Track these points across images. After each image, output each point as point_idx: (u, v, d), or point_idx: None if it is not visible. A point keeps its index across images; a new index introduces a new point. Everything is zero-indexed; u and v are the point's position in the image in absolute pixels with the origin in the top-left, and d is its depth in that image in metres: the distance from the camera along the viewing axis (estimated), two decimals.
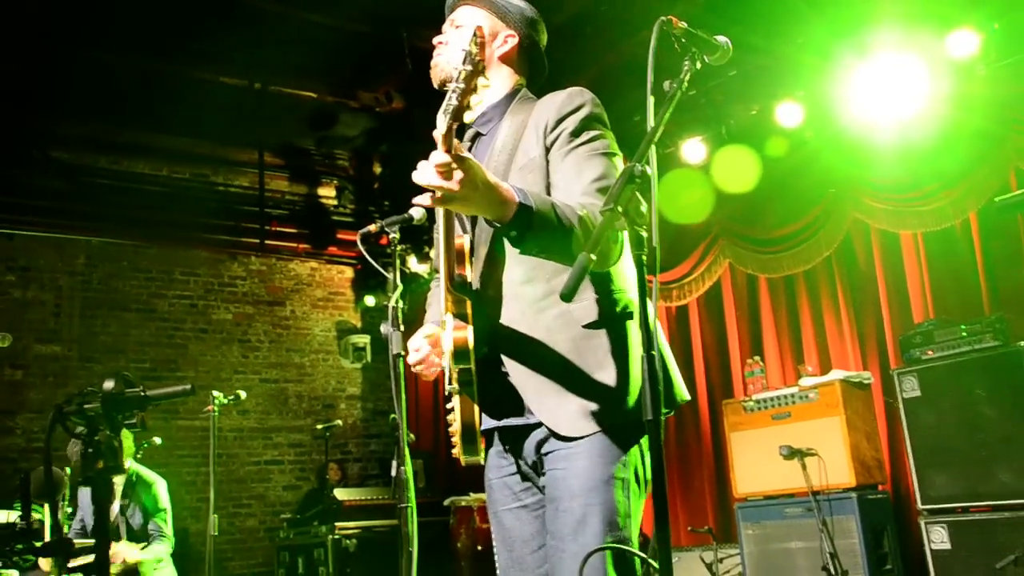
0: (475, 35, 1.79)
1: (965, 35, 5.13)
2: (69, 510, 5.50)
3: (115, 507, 5.44)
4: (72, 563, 4.43)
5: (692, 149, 6.47)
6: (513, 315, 2.14)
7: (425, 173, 1.78)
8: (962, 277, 5.45)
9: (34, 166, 7.68)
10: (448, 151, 1.76)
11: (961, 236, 5.46)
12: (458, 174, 1.76)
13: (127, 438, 5.56)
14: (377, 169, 8.93)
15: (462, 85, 1.77)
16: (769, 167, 6.35)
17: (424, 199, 1.85)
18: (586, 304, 2.10)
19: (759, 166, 6.34)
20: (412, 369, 2.36)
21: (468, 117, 1.81)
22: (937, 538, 4.66)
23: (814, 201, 6.19)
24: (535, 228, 1.88)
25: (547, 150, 2.16)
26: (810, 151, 6.21)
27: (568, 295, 1.61)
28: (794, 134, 6.14)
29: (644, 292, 1.69)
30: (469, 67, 1.77)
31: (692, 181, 6.56)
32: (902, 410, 4.92)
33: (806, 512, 5.03)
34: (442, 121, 1.78)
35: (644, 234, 1.68)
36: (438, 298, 2.48)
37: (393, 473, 3.16)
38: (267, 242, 8.73)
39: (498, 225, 1.90)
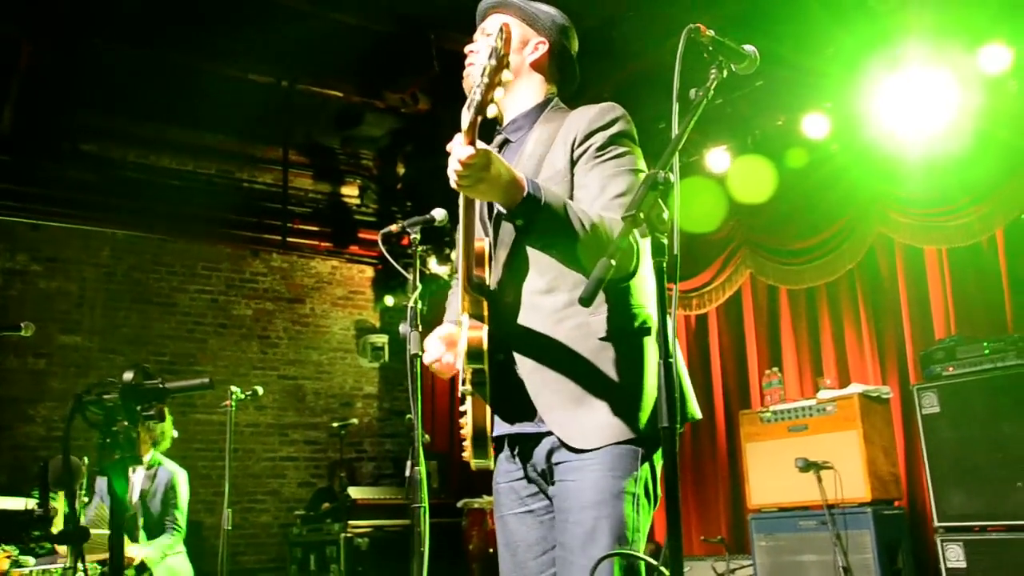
0: (501, 31, 1.80)
1: (997, 50, 5.08)
2: (86, 499, 5.54)
3: (135, 494, 5.50)
4: (89, 558, 4.46)
5: (716, 158, 6.44)
6: (531, 324, 2.13)
7: (451, 162, 1.86)
8: (987, 294, 5.39)
9: (63, 158, 7.76)
10: (472, 143, 1.82)
11: (987, 252, 5.41)
12: (476, 165, 1.82)
13: (167, 432, 5.62)
14: (401, 170, 8.96)
15: (487, 80, 1.79)
16: (794, 178, 6.32)
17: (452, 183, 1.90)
18: (604, 317, 2.09)
19: (784, 177, 6.31)
20: (430, 368, 2.37)
21: (492, 112, 1.87)
22: (953, 556, 4.61)
23: (838, 214, 6.15)
24: (542, 219, 1.91)
25: (573, 164, 2.16)
26: (836, 164, 6.17)
27: (587, 300, 1.61)
28: (820, 146, 6.10)
29: (663, 299, 1.68)
30: (494, 62, 1.79)
31: (716, 190, 6.53)
32: (921, 426, 4.88)
33: (820, 525, 5.00)
34: (466, 115, 1.83)
35: (665, 241, 1.68)
36: (457, 298, 2.49)
37: (407, 473, 3.16)
38: (289, 239, 8.77)
39: (507, 213, 1.95)
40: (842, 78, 5.77)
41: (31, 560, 4.48)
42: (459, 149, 1.84)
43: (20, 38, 6.44)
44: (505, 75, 1.79)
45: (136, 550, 5.22)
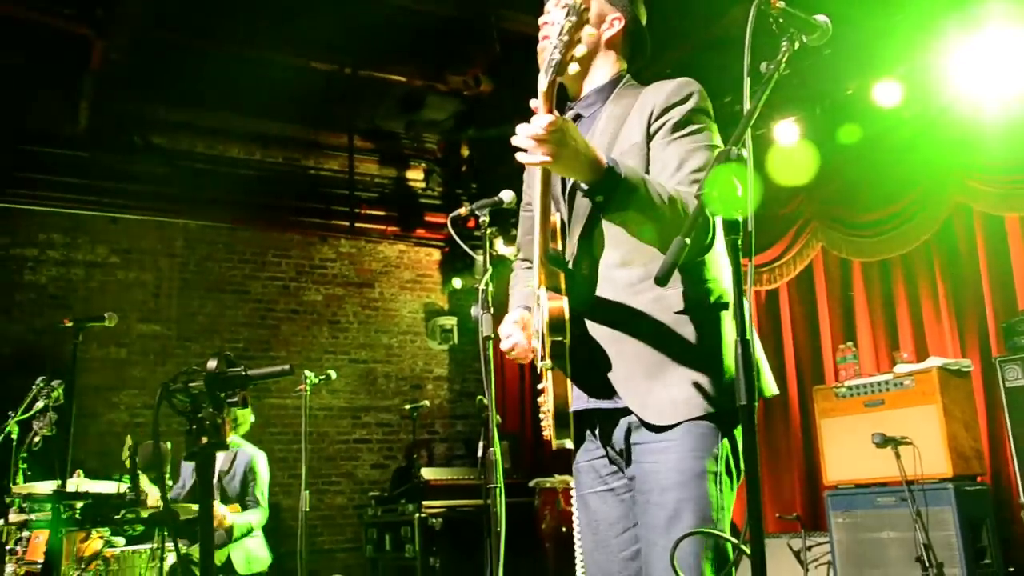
0: None
1: None
2: (170, 482, 5.75)
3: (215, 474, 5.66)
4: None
5: (785, 130, 6.31)
6: (606, 297, 2.14)
7: (524, 132, 1.79)
8: None
9: (136, 152, 8.00)
10: (550, 110, 1.77)
11: None
12: (556, 134, 1.77)
13: (245, 416, 5.81)
14: (465, 152, 9.00)
15: (565, 38, 1.73)
16: (865, 148, 6.16)
17: (523, 157, 1.85)
18: (680, 291, 2.09)
19: (854, 147, 6.16)
20: (506, 356, 2.38)
21: (573, 69, 1.78)
22: None
23: (913, 183, 5.99)
24: (621, 195, 1.87)
25: (649, 138, 2.15)
26: (910, 131, 6.00)
27: (663, 279, 1.61)
28: (892, 113, 5.92)
29: (739, 277, 1.67)
30: (573, 18, 1.73)
31: (784, 163, 6.41)
32: (1004, 400, 4.75)
33: (899, 502, 4.91)
34: (543, 78, 1.77)
35: (739, 218, 1.66)
36: (521, 280, 2.50)
37: (480, 454, 3.20)
38: (356, 225, 8.90)
39: (585, 187, 1.91)
40: (915, 41, 5.60)
41: (121, 541, 4.65)
42: (535, 119, 1.78)
43: (93, 38, 6.62)
44: (587, 30, 1.73)
45: (226, 511, 5.37)
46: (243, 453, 5.74)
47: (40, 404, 4.29)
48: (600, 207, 1.92)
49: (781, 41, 1.95)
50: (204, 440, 2.09)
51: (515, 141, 1.82)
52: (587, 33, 1.75)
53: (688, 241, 1.59)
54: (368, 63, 7.30)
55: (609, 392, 2.13)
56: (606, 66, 2.34)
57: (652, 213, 1.91)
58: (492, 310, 3.08)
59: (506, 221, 7.88)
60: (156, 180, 8.07)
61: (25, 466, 4.43)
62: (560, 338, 2.07)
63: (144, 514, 4.02)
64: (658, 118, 2.14)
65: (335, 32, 6.76)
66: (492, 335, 3.03)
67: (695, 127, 2.13)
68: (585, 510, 2.28)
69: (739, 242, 1.65)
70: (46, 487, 4.33)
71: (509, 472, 7.86)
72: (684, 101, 2.15)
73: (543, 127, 1.76)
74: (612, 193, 1.88)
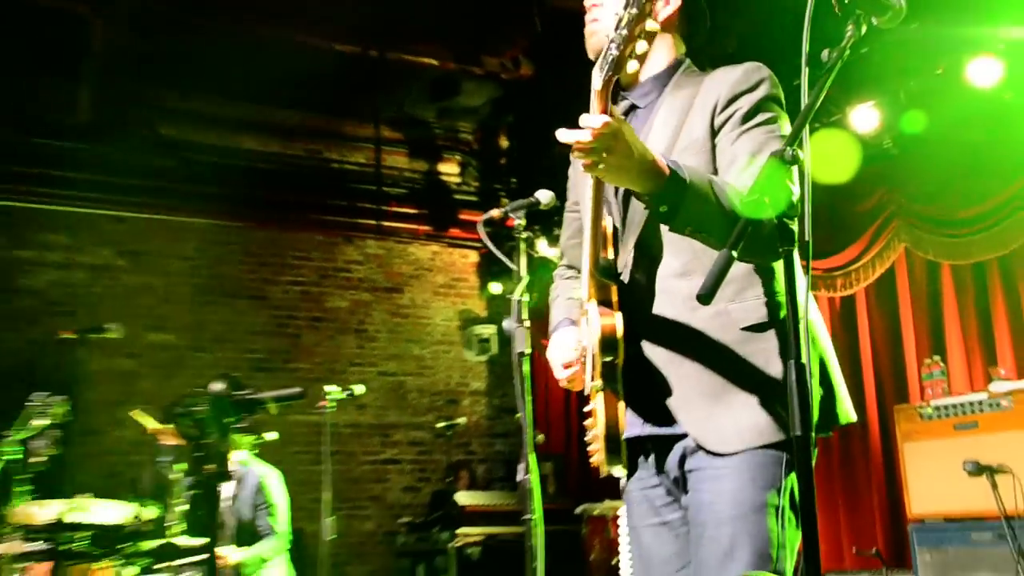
0: None
1: None
2: (187, 506, 5.79)
3: (224, 500, 5.71)
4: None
5: (863, 116, 6.24)
6: (664, 311, 2.14)
7: (573, 134, 1.78)
8: None
9: (143, 144, 8.09)
10: (604, 111, 1.77)
11: None
12: (604, 139, 1.76)
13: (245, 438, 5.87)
14: (503, 143, 9.02)
15: (624, 32, 1.72)
16: (957, 135, 6.07)
17: (577, 162, 1.84)
18: (747, 305, 2.09)
19: (944, 134, 6.07)
20: (560, 384, 2.38)
21: (632, 68, 1.75)
22: None
23: (1013, 174, 5.89)
24: (688, 203, 1.86)
25: (714, 133, 2.14)
26: (1010, 115, 5.89)
27: (706, 297, 1.61)
28: (990, 96, 5.82)
29: (793, 291, 1.67)
30: (635, 10, 1.71)
31: (862, 153, 6.34)
32: None
33: (997, 539, 4.82)
34: (598, 76, 1.76)
35: (794, 228, 1.66)
36: (563, 291, 2.51)
37: (518, 478, 3.21)
38: (384, 224, 8.97)
39: (646, 199, 1.90)
40: (1017, 11, 5.51)
41: (134, 570, 4.67)
42: (589, 118, 1.76)
43: (91, 17, 6.71)
44: (649, 24, 1.71)
45: (231, 551, 5.42)
46: (252, 474, 5.71)
47: (39, 422, 4.36)
48: (664, 218, 1.91)
49: (846, 24, 1.94)
50: (208, 468, 2.13)
51: (561, 136, 1.81)
52: (649, 27, 1.73)
53: (735, 254, 1.59)
54: (396, 45, 7.34)
55: (667, 418, 2.13)
56: (664, 50, 2.32)
57: (724, 217, 1.89)
58: (528, 323, 3.09)
59: (548, 220, 7.89)
60: (165, 175, 8.17)
61: (30, 487, 4.48)
62: (612, 358, 2.08)
63: (149, 546, 4.08)
64: (724, 109, 2.13)
65: (360, 11, 6.81)
66: (526, 351, 3.05)
67: (766, 117, 2.12)
68: (637, 544, 2.30)
69: (794, 254, 1.64)
70: (47, 515, 4.39)
71: (553, 497, 7.86)
72: (753, 89, 2.14)
73: (591, 131, 1.75)
74: (679, 201, 1.87)
